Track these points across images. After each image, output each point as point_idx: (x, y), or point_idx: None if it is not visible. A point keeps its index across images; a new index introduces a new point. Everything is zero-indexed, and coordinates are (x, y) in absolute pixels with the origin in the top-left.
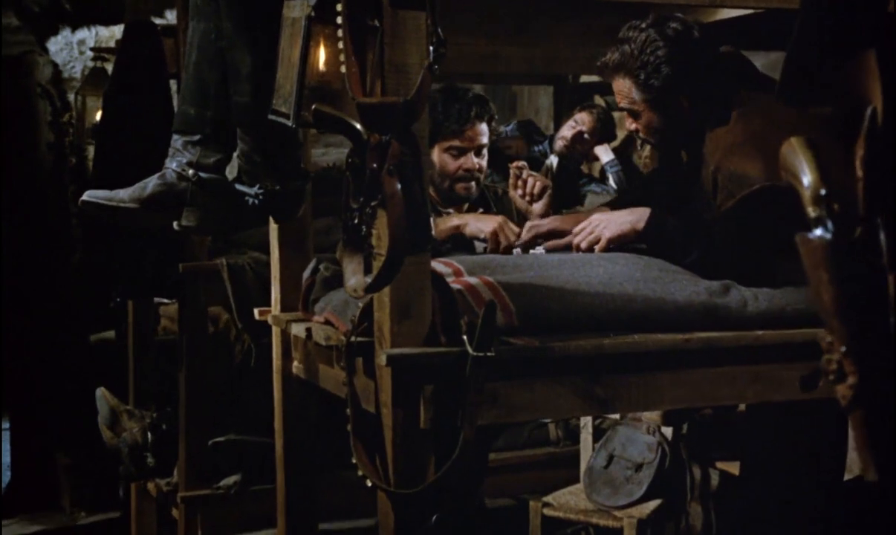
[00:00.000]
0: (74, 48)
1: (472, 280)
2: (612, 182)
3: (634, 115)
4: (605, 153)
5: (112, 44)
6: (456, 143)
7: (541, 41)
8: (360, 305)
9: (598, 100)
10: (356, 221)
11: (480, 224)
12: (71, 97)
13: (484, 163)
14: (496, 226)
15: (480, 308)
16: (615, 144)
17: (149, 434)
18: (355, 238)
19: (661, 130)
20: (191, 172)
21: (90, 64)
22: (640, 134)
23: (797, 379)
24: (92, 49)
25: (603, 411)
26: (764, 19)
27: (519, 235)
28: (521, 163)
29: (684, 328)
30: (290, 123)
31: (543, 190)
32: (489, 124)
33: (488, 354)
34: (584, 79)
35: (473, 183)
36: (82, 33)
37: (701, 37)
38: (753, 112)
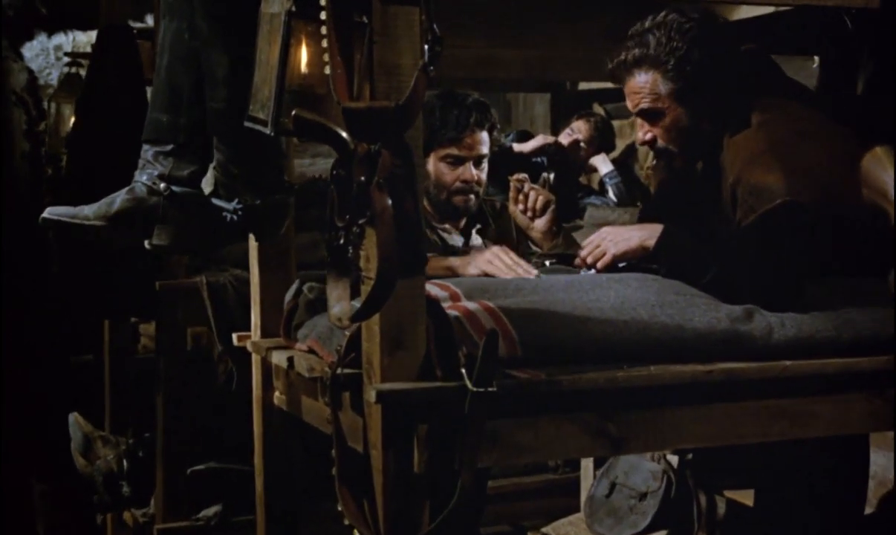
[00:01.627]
0: (51, 54)
1: (471, 306)
2: (611, 194)
3: (657, 115)
4: (603, 164)
5: (89, 49)
6: (454, 151)
7: (539, 44)
8: (347, 333)
9: (597, 108)
10: (342, 240)
11: (481, 265)
12: (46, 105)
13: (483, 175)
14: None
15: (480, 338)
16: (615, 154)
17: (124, 462)
18: (341, 260)
19: (686, 130)
20: (162, 185)
21: (66, 70)
22: (660, 141)
23: (828, 414)
24: (67, 54)
25: (616, 452)
26: (787, 18)
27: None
28: (522, 175)
29: (704, 359)
30: (267, 131)
31: (546, 205)
32: (490, 133)
33: (489, 389)
34: (583, 86)
35: (472, 196)
36: (59, 38)
37: (724, 24)
38: (777, 119)
